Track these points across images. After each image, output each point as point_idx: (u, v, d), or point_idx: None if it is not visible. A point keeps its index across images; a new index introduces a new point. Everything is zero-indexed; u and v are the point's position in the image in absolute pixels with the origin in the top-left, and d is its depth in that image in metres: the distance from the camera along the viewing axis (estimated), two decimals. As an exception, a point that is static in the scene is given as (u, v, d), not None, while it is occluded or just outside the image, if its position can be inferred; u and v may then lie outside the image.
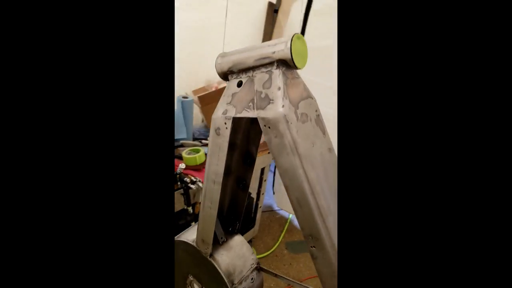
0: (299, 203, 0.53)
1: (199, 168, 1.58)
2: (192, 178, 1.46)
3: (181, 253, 0.88)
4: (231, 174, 0.80)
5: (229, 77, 0.61)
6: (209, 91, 1.83)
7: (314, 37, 1.88)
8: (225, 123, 0.59)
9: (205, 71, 1.93)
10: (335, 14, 1.75)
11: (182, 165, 1.45)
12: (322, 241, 0.53)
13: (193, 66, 1.88)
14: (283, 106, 0.50)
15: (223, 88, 1.78)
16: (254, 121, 0.65)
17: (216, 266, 0.77)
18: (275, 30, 2.07)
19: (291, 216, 2.69)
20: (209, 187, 0.68)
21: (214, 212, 0.71)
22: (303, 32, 1.92)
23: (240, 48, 0.59)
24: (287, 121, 0.50)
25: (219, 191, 0.67)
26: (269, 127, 0.52)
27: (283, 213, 2.78)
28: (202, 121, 2.01)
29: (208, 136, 1.84)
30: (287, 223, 2.65)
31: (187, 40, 1.75)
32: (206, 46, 1.84)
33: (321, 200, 0.52)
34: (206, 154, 1.59)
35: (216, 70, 0.62)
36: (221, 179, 0.66)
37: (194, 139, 1.85)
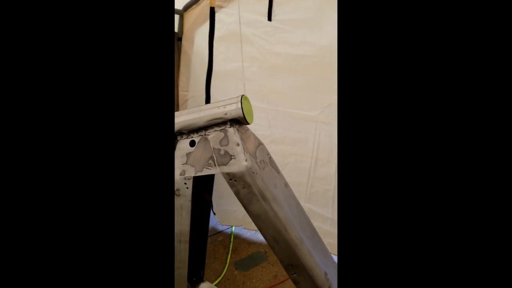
0: (275, 240, 0.58)
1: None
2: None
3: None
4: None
5: (178, 137, 0.61)
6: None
7: (223, 61, 1.98)
8: (185, 184, 0.59)
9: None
10: (237, 40, 1.88)
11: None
12: (301, 266, 0.60)
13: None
14: (246, 160, 0.54)
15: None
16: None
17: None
18: (182, 57, 2.07)
19: (233, 229, 2.71)
20: (175, 247, 0.66)
21: (185, 271, 0.68)
22: (210, 57, 1.98)
23: (185, 110, 0.60)
24: (252, 173, 0.54)
25: (187, 249, 0.65)
26: (235, 180, 0.55)
27: (226, 232, 2.77)
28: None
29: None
30: (231, 243, 2.66)
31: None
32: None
33: (293, 232, 0.58)
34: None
35: (163, 132, 0.61)
36: (188, 237, 0.64)
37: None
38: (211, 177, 0.75)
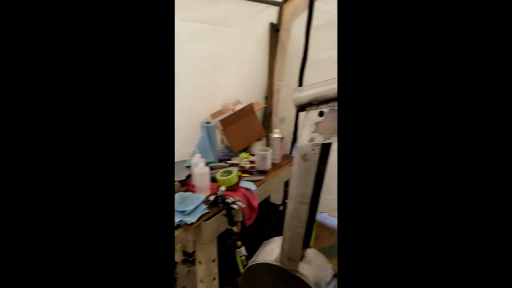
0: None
1: (234, 188, 1.63)
2: (232, 198, 1.51)
3: (262, 275, 0.92)
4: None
5: (307, 108, 0.69)
6: (228, 114, 1.90)
7: (318, 50, 2.00)
8: (313, 150, 0.66)
9: (220, 96, 2.00)
10: (334, 28, 1.87)
11: (222, 188, 1.50)
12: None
13: (208, 92, 1.95)
14: (375, 129, 0.58)
15: (241, 110, 1.85)
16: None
17: (306, 280, 0.82)
18: (279, 48, 2.18)
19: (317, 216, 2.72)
20: (296, 208, 0.75)
21: (302, 231, 0.77)
22: (306, 47, 2.02)
23: (314, 83, 0.67)
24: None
25: (307, 210, 0.73)
26: (363, 148, 0.59)
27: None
28: (222, 142, 2.07)
29: (230, 156, 1.90)
30: (314, 231, 2.69)
31: (200, 69, 1.83)
32: (218, 72, 1.93)
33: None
34: (237, 175, 1.65)
35: (294, 104, 0.69)
36: (309, 200, 0.72)
37: (219, 160, 1.90)
38: (328, 150, 0.81)
